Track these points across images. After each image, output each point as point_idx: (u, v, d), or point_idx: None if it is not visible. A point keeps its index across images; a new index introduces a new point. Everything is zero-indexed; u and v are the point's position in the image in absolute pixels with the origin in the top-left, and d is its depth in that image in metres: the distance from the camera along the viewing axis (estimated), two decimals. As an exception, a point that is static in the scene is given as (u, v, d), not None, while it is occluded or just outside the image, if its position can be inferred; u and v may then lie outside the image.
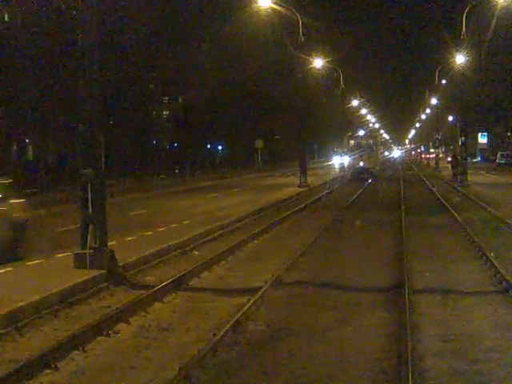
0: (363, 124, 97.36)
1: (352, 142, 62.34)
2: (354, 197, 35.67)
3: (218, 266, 15.93)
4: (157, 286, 12.96)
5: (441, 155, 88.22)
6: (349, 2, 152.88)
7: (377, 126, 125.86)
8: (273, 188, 42.88)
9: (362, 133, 67.60)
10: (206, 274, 15.04)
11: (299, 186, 42.38)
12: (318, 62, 54.19)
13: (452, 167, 52.12)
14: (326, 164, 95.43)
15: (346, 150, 64.48)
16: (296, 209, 28.86)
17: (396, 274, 14.43)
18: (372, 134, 79.26)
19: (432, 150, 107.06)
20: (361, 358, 9.11)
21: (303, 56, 46.35)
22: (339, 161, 69.39)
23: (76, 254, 14.06)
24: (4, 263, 14.38)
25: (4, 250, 15.05)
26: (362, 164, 59.35)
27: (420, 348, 9.36)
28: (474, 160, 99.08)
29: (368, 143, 61.81)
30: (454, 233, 21.50)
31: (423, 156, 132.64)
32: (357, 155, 59.92)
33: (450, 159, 79.55)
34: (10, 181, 17.18)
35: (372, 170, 58.99)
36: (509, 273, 13.46)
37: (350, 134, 65.94)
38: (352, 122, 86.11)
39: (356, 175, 56.62)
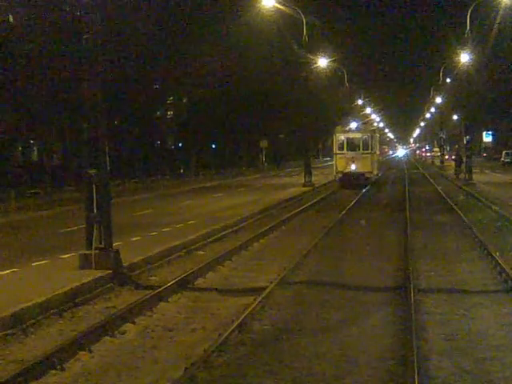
0: (358, 114, 75.81)
1: (341, 137, 45.96)
2: (359, 196, 35.63)
3: (223, 266, 15.94)
4: (162, 286, 12.97)
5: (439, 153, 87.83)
6: (353, 0, 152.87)
7: (381, 124, 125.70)
8: (277, 187, 42.90)
9: (354, 125, 48.47)
10: (211, 273, 15.05)
11: (304, 186, 42.38)
12: (322, 62, 54.17)
13: (456, 166, 52.06)
14: (330, 163, 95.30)
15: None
16: (301, 208, 28.85)
17: (401, 273, 14.42)
18: (369, 126, 55.98)
19: (436, 149, 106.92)
20: (366, 357, 9.10)
21: (307, 55, 46.34)
22: None
23: (81, 254, 14.09)
24: None
25: None
26: (353, 167, 44.69)
27: (425, 347, 9.36)
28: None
29: (363, 139, 45.58)
30: (459, 232, 21.47)
31: (428, 154, 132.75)
32: (346, 155, 45.09)
33: (453, 157, 79.51)
34: None
35: (367, 176, 45.25)
36: (514, 271, 13.44)
37: (338, 126, 48.57)
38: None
39: (345, 182, 44.15)
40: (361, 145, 45.32)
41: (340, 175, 45.09)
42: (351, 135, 46.02)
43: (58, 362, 8.85)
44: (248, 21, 48.30)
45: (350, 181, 43.89)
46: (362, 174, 44.66)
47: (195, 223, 22.54)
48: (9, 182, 36.49)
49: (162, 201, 34.65)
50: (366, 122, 59.00)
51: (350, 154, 44.94)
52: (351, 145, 45.45)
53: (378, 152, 52.88)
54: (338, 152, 46.07)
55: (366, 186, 43.19)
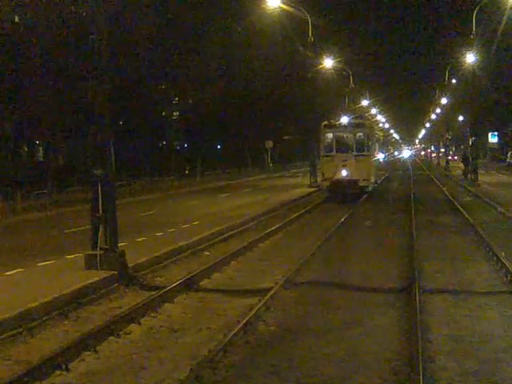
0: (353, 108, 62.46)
1: (329, 134, 35.83)
2: (364, 196, 35.52)
3: (228, 267, 15.94)
4: (167, 286, 12.98)
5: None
6: (358, 1, 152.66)
7: (387, 125, 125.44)
8: (283, 188, 42.86)
9: (345, 120, 37.76)
10: (216, 274, 15.05)
11: (309, 187, 42.31)
12: (327, 62, 54.13)
13: (464, 166, 51.84)
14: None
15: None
16: (306, 209, 28.83)
17: (407, 275, 14.39)
18: (365, 121, 40.17)
19: (442, 150, 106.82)
20: (372, 358, 9.09)
21: (312, 56, 46.31)
22: None
23: (86, 254, 14.11)
24: None
25: None
26: (343, 173, 34.81)
27: (431, 348, 9.35)
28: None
29: (356, 137, 35.61)
30: (464, 233, 21.41)
31: (433, 155, 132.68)
32: (336, 157, 35.19)
33: (456, 157, 79.26)
34: None
35: (362, 184, 35.17)
36: (520, 273, 13.42)
37: (325, 122, 36.93)
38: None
39: (334, 191, 35.00)
40: (354, 145, 35.61)
41: (328, 183, 35.43)
42: (342, 132, 36.08)
43: (63, 362, 8.87)
44: (253, 21, 48.34)
45: (340, 190, 34.64)
46: (356, 182, 34.81)
47: (201, 224, 22.54)
48: (14, 183, 36.51)
49: (168, 201, 34.69)
50: (361, 115, 46.24)
51: (340, 156, 35.17)
52: (342, 144, 35.80)
53: (376, 154, 43.65)
54: (324, 154, 36.20)
55: (365, 193, 35.79)
